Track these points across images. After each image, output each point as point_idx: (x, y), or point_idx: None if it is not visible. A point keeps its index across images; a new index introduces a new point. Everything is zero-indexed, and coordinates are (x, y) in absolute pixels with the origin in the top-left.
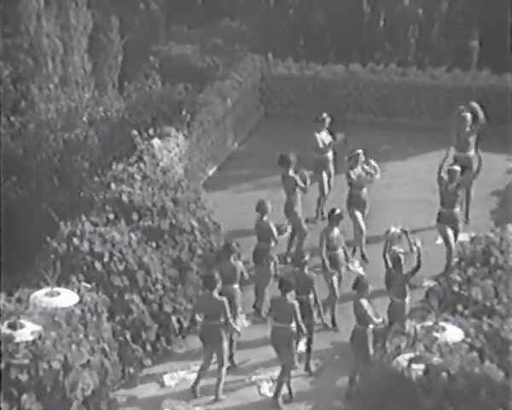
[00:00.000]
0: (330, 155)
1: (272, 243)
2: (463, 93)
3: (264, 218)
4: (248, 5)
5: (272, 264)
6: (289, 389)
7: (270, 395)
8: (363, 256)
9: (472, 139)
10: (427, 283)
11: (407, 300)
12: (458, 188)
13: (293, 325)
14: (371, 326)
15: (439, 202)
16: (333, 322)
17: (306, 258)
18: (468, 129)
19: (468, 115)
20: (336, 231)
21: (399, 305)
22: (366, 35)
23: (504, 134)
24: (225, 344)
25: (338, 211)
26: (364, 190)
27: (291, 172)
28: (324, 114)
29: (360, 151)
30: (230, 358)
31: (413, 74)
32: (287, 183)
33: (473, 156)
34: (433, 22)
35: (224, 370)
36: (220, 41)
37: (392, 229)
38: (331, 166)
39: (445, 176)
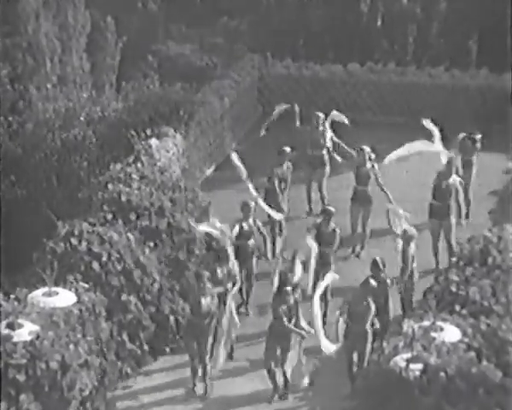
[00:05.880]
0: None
1: None
2: (462, 92)
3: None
4: (247, 5)
5: None
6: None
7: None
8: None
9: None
10: None
11: None
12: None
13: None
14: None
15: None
16: None
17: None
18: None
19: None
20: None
21: None
22: (364, 35)
23: (503, 134)
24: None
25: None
26: (369, 187)
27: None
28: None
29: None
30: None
31: (412, 74)
32: None
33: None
34: (431, 21)
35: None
36: (219, 40)
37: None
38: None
39: None
